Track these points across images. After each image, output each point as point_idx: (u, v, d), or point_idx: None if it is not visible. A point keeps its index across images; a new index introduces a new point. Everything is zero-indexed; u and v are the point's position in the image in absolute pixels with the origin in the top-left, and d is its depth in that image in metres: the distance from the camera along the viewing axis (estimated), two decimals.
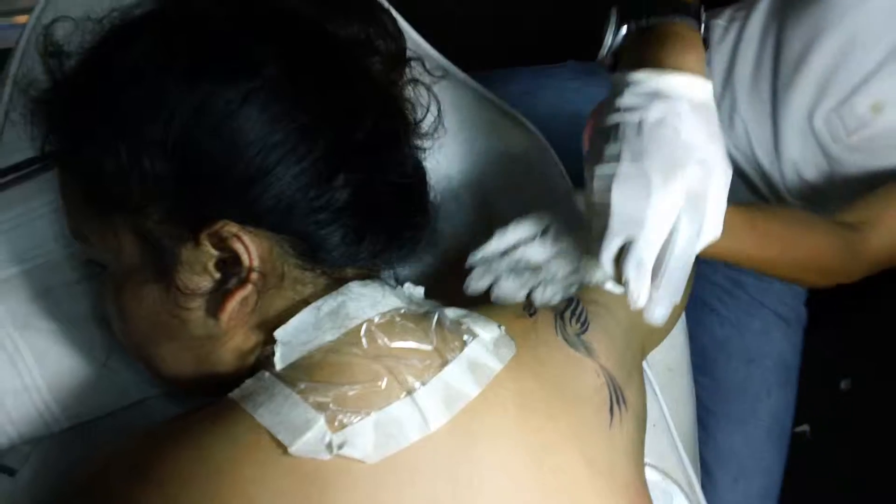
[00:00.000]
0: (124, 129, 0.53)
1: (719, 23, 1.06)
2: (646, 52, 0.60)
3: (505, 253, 0.64)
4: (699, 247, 0.58)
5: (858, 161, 0.95)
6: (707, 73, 0.59)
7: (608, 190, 0.56)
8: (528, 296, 0.63)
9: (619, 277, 0.58)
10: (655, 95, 0.57)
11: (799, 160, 1.00)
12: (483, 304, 0.63)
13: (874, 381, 1.58)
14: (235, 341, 0.57)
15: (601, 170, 0.57)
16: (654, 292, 0.57)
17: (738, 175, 1.06)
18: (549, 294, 0.63)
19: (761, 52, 0.99)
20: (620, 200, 0.56)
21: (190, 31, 0.54)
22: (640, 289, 0.57)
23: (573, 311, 0.64)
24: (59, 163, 0.58)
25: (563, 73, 1.15)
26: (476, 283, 0.63)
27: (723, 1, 1.09)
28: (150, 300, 0.56)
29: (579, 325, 0.64)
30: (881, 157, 0.94)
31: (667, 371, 0.90)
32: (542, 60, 1.19)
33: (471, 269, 0.64)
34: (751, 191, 1.08)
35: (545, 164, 0.83)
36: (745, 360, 1.08)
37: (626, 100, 0.58)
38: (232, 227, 0.53)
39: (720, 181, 0.57)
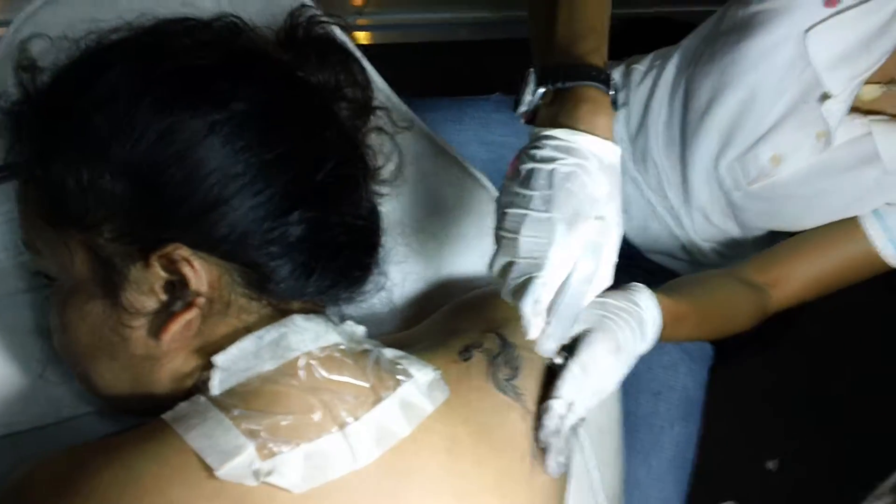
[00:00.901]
0: (89, 148, 0.54)
1: (639, 68, 1.12)
2: (562, 111, 0.65)
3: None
4: (592, 293, 0.63)
5: (759, 208, 1.01)
6: (614, 134, 0.66)
7: (517, 231, 0.61)
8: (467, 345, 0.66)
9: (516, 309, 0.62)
10: (569, 151, 0.62)
11: (706, 205, 1.06)
12: (423, 347, 0.65)
13: (799, 463, 1.62)
14: (174, 364, 0.58)
15: (513, 211, 0.62)
16: (547, 328, 0.62)
17: (653, 214, 1.12)
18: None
19: (673, 99, 1.05)
20: (527, 241, 0.61)
21: (164, 62, 0.56)
22: (533, 323, 0.61)
23: (506, 357, 0.66)
24: (21, 174, 0.59)
25: (489, 105, 1.19)
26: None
27: (644, 49, 1.15)
28: (95, 315, 0.57)
29: (510, 370, 0.66)
30: (779, 206, 1.00)
31: (598, 432, 0.91)
32: (468, 93, 1.23)
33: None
34: (664, 230, 1.13)
35: None
36: (652, 393, 1.11)
37: (543, 152, 0.63)
38: (184, 251, 0.55)
39: (614, 237, 0.63)
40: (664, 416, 1.11)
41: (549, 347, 0.62)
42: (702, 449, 1.14)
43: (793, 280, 0.98)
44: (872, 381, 1.69)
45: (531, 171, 0.63)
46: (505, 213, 0.63)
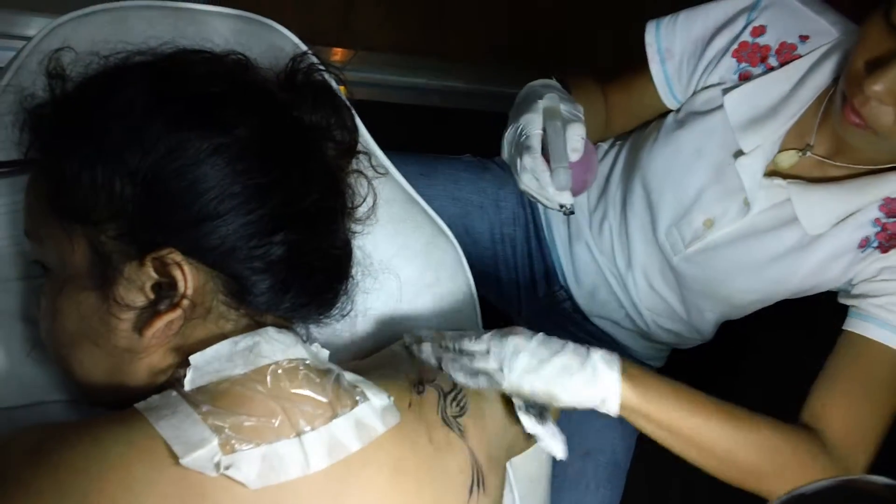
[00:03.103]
0: (106, 152, 0.60)
1: (602, 145, 1.22)
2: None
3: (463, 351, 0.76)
4: (572, 132, 0.87)
5: (694, 272, 1.08)
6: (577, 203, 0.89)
7: (504, 139, 0.95)
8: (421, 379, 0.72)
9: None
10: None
11: (648, 270, 1.14)
12: (380, 376, 0.70)
13: None
14: (152, 359, 0.63)
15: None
16: (552, 173, 0.85)
17: (602, 279, 1.20)
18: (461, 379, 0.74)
19: (623, 173, 1.15)
20: (508, 134, 0.94)
21: (180, 85, 0.63)
22: (539, 169, 0.86)
23: (455, 396, 0.72)
24: (37, 169, 0.64)
25: (459, 164, 1.28)
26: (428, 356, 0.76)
27: None
28: (86, 305, 0.62)
29: (458, 408, 0.72)
30: (712, 269, 1.07)
31: (528, 480, 0.96)
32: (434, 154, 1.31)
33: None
34: (611, 296, 1.21)
35: (455, 273, 0.92)
36: (581, 454, 1.16)
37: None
38: (176, 256, 0.60)
39: (568, 98, 0.94)
40: (591, 476, 1.17)
41: (562, 180, 0.85)
42: None
43: (835, 410, 0.90)
44: None
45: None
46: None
